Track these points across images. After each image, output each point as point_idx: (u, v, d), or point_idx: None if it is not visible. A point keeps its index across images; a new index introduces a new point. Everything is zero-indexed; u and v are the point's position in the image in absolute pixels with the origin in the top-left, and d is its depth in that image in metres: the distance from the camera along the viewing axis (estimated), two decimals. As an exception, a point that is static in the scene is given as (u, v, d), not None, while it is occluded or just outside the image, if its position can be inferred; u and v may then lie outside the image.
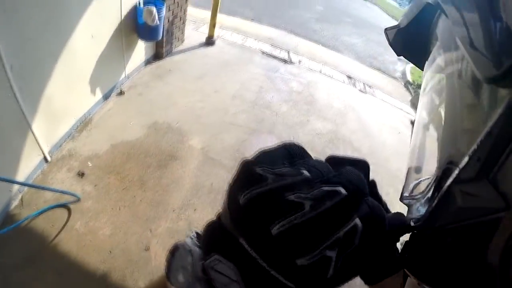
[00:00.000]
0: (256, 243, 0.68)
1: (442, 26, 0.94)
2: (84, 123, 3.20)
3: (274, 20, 8.76)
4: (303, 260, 0.62)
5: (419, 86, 5.98)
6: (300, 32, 8.23)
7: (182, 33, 5.22)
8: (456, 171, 0.70)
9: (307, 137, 3.72)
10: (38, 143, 2.57)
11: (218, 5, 5.24)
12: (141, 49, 4.16)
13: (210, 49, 5.36)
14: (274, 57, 5.72)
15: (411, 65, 4.58)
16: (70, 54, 2.74)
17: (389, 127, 4.76)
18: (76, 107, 3.10)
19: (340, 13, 13.35)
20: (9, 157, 2.34)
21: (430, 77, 1.11)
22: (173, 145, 3.13)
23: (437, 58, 0.98)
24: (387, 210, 0.85)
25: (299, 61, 5.89)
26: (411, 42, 1.16)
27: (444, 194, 0.75)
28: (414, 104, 5.64)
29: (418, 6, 0.99)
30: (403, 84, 7.10)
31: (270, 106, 3.99)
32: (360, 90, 5.65)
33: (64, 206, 2.45)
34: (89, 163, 2.81)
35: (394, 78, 7.33)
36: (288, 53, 6.10)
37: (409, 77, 7.25)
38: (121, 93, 3.74)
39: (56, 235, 2.28)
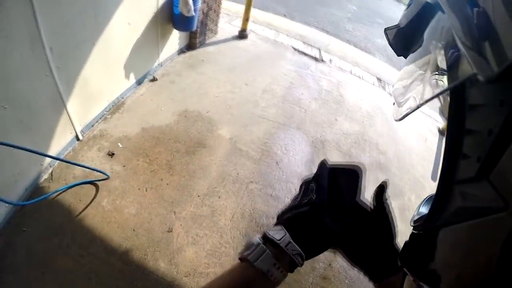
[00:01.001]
0: None
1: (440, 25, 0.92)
2: (116, 106, 3.30)
3: (307, 17, 8.72)
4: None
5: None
6: (332, 31, 8.14)
7: (216, 25, 5.28)
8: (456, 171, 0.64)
9: (334, 136, 3.70)
10: (71, 121, 2.69)
11: (251, 0, 5.27)
12: (175, 39, 4.26)
13: (242, 42, 5.40)
14: (306, 54, 5.69)
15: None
16: (107, 39, 2.86)
17: (416, 133, 4.66)
18: (110, 90, 3.21)
19: (373, 13, 13.12)
20: (43, 132, 2.45)
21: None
22: (202, 133, 3.18)
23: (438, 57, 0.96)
24: (390, 216, 0.86)
25: (330, 60, 5.85)
26: (411, 41, 1.03)
27: (444, 194, 0.66)
28: (443, 112, 5.47)
29: (417, 5, 0.89)
30: (434, 90, 6.91)
31: (300, 102, 3.99)
32: (390, 94, 5.56)
33: (93, 183, 2.55)
34: (119, 144, 2.90)
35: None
36: (320, 51, 6.05)
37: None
38: (154, 79, 3.84)
39: (83, 210, 2.38)
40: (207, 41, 5.05)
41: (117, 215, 2.40)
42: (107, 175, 2.59)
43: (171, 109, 3.38)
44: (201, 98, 3.61)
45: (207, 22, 4.81)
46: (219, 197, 2.73)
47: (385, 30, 1.13)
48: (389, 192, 0.81)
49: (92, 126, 3.01)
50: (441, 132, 4.83)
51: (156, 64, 4.00)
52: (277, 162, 3.15)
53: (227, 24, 6.00)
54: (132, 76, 3.51)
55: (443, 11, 0.59)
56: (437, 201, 0.72)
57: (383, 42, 9.18)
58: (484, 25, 0.45)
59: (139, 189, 2.61)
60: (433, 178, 3.75)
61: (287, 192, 2.94)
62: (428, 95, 0.74)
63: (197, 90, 3.76)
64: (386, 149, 3.88)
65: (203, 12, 4.52)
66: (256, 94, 3.90)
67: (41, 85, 2.27)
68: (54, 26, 2.21)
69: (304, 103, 4.00)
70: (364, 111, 4.54)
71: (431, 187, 3.39)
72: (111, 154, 2.81)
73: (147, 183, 2.67)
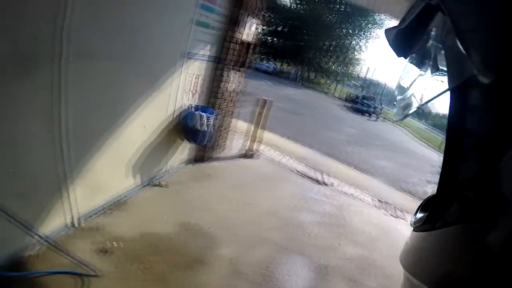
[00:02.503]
0: None
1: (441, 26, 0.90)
2: (118, 203, 3.29)
3: (309, 139, 9.33)
4: None
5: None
6: (333, 153, 8.64)
7: (225, 142, 5.62)
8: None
9: (338, 262, 3.54)
10: (70, 205, 2.67)
11: (260, 123, 5.74)
12: (185, 149, 4.47)
13: (249, 161, 5.66)
14: (309, 177, 5.88)
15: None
16: (121, 136, 3.04)
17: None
18: (115, 186, 3.25)
19: (371, 135, 14.01)
20: (39, 207, 2.42)
21: None
22: (202, 250, 3.05)
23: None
24: None
25: (332, 183, 6.00)
26: (411, 42, 1.14)
27: (444, 195, 0.74)
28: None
29: (417, 6, 0.99)
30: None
31: (303, 226, 3.95)
32: (391, 215, 5.54)
33: (80, 275, 2.34)
34: (114, 243, 2.76)
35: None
36: (322, 174, 6.27)
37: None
38: (159, 185, 3.89)
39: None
40: (215, 156, 5.28)
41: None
42: (97, 274, 2.39)
43: (173, 219, 3.31)
44: (204, 212, 3.59)
45: (217, 138, 5.12)
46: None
47: (385, 31, 1.26)
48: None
49: (90, 216, 2.94)
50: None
51: (163, 170, 4.11)
52: (278, 288, 2.99)
53: (235, 142, 6.39)
54: (138, 177, 3.59)
55: (443, 12, 0.60)
56: (437, 202, 0.78)
57: (381, 163, 9.71)
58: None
59: (128, 297, 2.38)
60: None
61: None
62: (428, 95, 0.79)
63: (201, 204, 3.76)
64: (391, 272, 3.67)
65: (214, 128, 4.86)
66: (260, 215, 3.89)
67: (48, 161, 2.34)
68: (76, 110, 2.38)
69: (307, 227, 3.97)
70: (367, 233, 4.46)
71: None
72: (104, 251, 2.64)
73: (137, 292, 2.45)
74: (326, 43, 37.96)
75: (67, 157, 2.47)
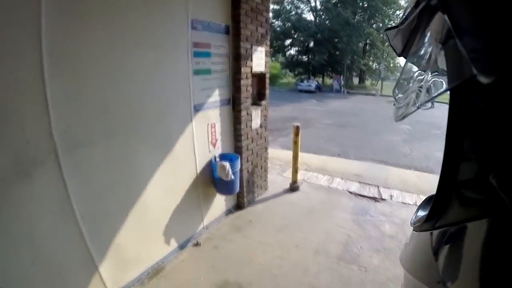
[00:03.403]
0: None
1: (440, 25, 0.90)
2: (155, 270, 3.23)
3: (361, 151, 8.81)
4: None
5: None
6: (389, 159, 7.98)
7: (265, 180, 5.37)
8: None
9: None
10: (104, 285, 2.69)
11: (298, 152, 5.41)
12: (220, 200, 4.30)
13: (294, 195, 5.31)
14: (363, 196, 5.35)
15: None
16: (142, 207, 3.00)
17: None
18: (148, 255, 3.20)
19: (427, 126, 12.94)
20: None
21: None
22: None
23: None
24: None
25: (391, 196, 5.41)
26: (411, 42, 1.15)
27: (444, 195, 0.80)
28: None
29: (417, 6, 1.00)
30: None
31: (358, 259, 3.48)
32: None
33: None
34: None
35: None
36: (378, 188, 5.70)
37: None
38: (197, 244, 3.75)
39: None
40: (257, 198, 5.04)
41: None
42: None
43: (211, 279, 3.11)
44: (244, 266, 3.33)
45: (254, 180, 4.90)
46: None
47: (385, 30, 1.29)
48: None
49: (127, 290, 2.92)
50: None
51: (200, 227, 3.97)
52: None
53: (278, 176, 6.12)
54: (173, 241, 3.49)
55: (443, 12, 0.60)
56: (436, 203, 0.81)
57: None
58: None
59: None
60: None
61: None
62: (428, 95, 0.78)
63: (241, 257, 3.51)
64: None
65: (248, 171, 4.66)
66: (307, 258, 3.51)
67: (71, 248, 2.42)
68: (85, 196, 2.45)
69: (363, 260, 3.49)
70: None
71: None
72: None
73: None
74: (360, 44, 37.28)
75: (90, 241, 2.53)
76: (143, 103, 2.91)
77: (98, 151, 2.55)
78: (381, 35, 34.26)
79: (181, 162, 3.51)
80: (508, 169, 0.55)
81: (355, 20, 35.46)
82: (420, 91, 0.94)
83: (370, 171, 6.71)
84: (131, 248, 2.96)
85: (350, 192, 5.50)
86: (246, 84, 4.36)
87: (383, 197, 5.33)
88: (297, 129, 5.33)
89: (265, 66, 4.81)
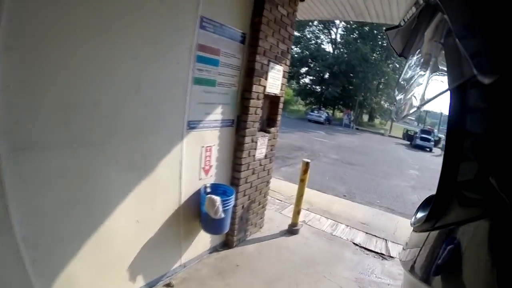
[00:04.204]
0: None
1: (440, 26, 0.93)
2: None
3: (368, 194, 8.40)
4: None
5: None
6: (397, 207, 7.48)
7: (261, 218, 4.67)
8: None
9: None
10: None
11: (304, 192, 4.77)
12: (205, 236, 3.58)
13: (292, 239, 4.58)
14: (369, 250, 4.64)
15: None
16: (105, 236, 2.40)
17: None
18: None
19: (436, 173, 12.32)
20: None
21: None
22: None
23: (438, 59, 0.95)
24: None
25: (399, 253, 4.74)
26: (411, 42, 1.10)
27: (443, 196, 0.82)
28: None
29: (417, 7, 1.02)
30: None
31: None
32: None
33: None
34: None
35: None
36: (386, 243, 5.00)
37: None
38: (169, 285, 3.07)
39: None
40: (249, 238, 4.33)
41: None
42: None
43: None
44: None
45: (248, 217, 4.21)
46: None
47: (386, 30, 1.41)
48: None
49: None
50: None
51: (176, 265, 3.27)
52: None
53: (277, 213, 5.45)
54: (140, 278, 2.83)
55: (443, 12, 0.61)
56: (436, 203, 0.91)
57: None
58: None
59: None
60: None
61: None
62: (428, 95, 0.87)
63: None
64: None
65: (243, 206, 3.98)
66: (300, 331, 2.85)
67: (6, 276, 1.87)
68: (30, 214, 1.92)
69: None
70: None
71: None
72: None
73: None
74: (375, 82, 37.33)
75: (32, 268, 1.97)
76: (121, 109, 2.32)
77: (54, 159, 1.98)
78: (396, 76, 34.24)
79: (162, 189, 2.86)
80: (508, 169, 0.55)
81: (373, 57, 35.55)
82: (420, 91, 0.92)
83: (378, 220, 6.04)
84: (85, 281, 2.35)
85: (355, 244, 4.80)
86: (256, 106, 3.73)
87: (391, 254, 4.64)
88: (306, 165, 4.68)
89: (281, 89, 4.19)
